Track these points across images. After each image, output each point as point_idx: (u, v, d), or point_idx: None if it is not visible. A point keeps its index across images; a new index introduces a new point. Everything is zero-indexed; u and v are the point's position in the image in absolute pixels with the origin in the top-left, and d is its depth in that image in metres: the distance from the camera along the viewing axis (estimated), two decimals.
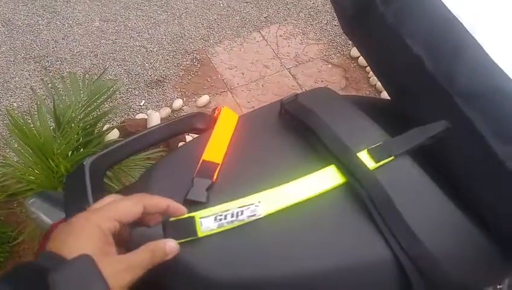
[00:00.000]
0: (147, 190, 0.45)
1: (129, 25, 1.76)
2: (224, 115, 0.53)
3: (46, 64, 1.63)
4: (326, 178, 0.45)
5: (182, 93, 1.56)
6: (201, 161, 0.47)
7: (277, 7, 1.82)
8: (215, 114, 0.55)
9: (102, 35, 1.72)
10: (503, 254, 0.46)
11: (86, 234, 0.34)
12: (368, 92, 1.55)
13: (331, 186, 0.45)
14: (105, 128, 1.27)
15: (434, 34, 0.45)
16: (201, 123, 0.55)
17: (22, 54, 1.67)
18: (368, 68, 1.60)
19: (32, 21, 1.77)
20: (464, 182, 0.47)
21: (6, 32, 1.74)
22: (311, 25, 1.76)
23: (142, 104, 1.53)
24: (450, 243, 0.43)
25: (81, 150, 1.08)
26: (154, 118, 1.41)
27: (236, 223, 0.41)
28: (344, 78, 1.59)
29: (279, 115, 0.52)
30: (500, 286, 0.63)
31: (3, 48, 1.69)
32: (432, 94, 0.46)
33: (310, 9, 1.81)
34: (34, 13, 1.79)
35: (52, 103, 1.03)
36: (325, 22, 1.76)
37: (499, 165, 0.40)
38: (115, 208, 0.37)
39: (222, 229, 0.41)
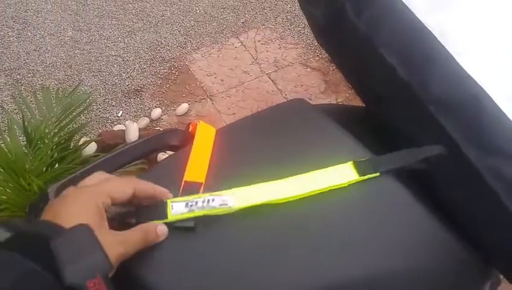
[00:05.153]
0: None
1: (104, 34, 1.72)
2: (201, 131, 0.51)
3: (18, 76, 1.58)
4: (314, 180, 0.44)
5: (161, 102, 1.53)
6: (183, 183, 0.45)
7: (254, 12, 1.81)
8: (190, 129, 0.53)
9: (76, 45, 1.68)
10: (484, 261, 0.46)
11: (81, 206, 0.35)
12: (347, 94, 1.56)
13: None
14: (81, 141, 1.23)
15: (406, 44, 0.45)
16: (175, 140, 0.53)
17: None
18: None
19: (1, 33, 1.71)
20: (444, 194, 0.47)
21: None
22: (289, 29, 1.76)
23: (119, 114, 1.50)
24: (433, 259, 0.43)
25: (56, 165, 1.05)
26: (133, 129, 1.38)
27: (207, 210, 0.41)
28: (323, 81, 1.59)
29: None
30: None
31: None
32: (406, 102, 0.46)
33: (287, 14, 1.81)
34: (3, 25, 1.74)
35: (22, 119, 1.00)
36: (303, 25, 1.76)
37: (476, 176, 0.40)
38: (109, 185, 0.37)
39: (192, 214, 0.41)
